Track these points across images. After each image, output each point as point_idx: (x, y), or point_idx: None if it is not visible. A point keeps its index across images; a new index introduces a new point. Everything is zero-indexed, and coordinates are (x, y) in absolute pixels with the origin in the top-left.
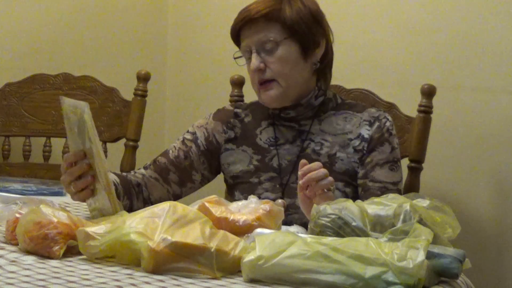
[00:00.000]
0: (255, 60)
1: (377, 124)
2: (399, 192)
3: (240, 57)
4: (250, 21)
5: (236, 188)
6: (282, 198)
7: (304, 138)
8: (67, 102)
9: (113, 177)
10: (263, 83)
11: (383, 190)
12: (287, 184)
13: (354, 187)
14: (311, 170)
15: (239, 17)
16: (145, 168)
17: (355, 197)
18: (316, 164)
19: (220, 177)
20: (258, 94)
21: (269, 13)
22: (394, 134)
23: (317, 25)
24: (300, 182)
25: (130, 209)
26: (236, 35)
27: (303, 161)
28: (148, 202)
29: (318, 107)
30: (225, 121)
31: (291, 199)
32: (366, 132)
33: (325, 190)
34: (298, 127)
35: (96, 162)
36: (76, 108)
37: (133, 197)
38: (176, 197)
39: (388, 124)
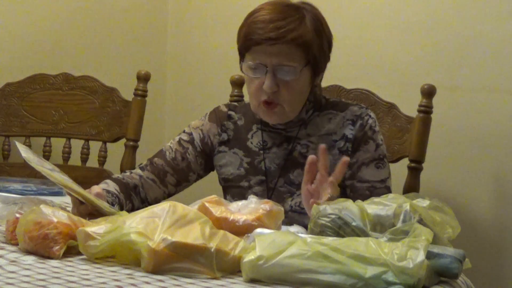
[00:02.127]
0: (270, 82)
1: (359, 122)
2: (387, 189)
3: (254, 66)
4: (281, 43)
5: (228, 192)
6: None
7: (292, 142)
8: (20, 148)
9: (113, 186)
10: (268, 103)
11: (371, 190)
12: (275, 188)
13: (341, 188)
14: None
15: (265, 34)
16: (142, 169)
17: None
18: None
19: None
20: (257, 108)
21: (304, 42)
22: (377, 131)
23: (330, 51)
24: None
25: (131, 210)
26: (251, 45)
27: (323, 146)
28: (145, 202)
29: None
30: (220, 123)
31: (279, 203)
32: (349, 132)
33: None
34: (285, 133)
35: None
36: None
37: (133, 199)
38: (170, 195)
39: (370, 121)
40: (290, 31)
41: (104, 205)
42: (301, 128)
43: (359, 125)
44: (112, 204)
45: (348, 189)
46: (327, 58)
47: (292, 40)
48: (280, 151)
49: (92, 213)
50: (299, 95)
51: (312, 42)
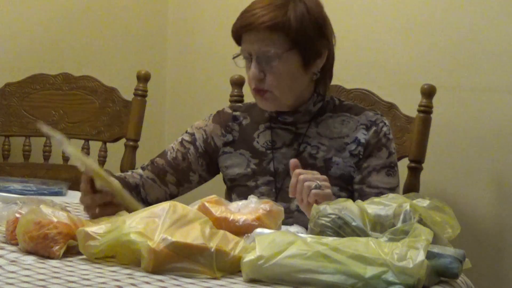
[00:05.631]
0: (254, 69)
1: (374, 128)
2: None
3: (239, 55)
4: (254, 29)
5: (234, 191)
6: (276, 201)
7: (301, 142)
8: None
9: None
10: (258, 90)
11: (380, 196)
12: (281, 188)
13: (349, 191)
14: (306, 180)
15: (242, 22)
16: (143, 168)
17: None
18: (311, 173)
19: (220, 177)
20: (254, 96)
21: (275, 25)
22: (391, 139)
23: (321, 35)
24: (290, 194)
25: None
26: (238, 36)
27: (293, 160)
28: (145, 202)
29: (316, 111)
30: (224, 125)
31: (286, 203)
32: (362, 136)
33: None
34: (295, 130)
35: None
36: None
37: (134, 198)
38: (172, 197)
39: (385, 129)
40: (261, 16)
41: (132, 200)
42: (311, 125)
43: (373, 131)
44: None
45: (356, 193)
46: (320, 43)
47: (261, 24)
48: (289, 151)
49: (104, 204)
50: (286, 80)
51: (289, 26)
